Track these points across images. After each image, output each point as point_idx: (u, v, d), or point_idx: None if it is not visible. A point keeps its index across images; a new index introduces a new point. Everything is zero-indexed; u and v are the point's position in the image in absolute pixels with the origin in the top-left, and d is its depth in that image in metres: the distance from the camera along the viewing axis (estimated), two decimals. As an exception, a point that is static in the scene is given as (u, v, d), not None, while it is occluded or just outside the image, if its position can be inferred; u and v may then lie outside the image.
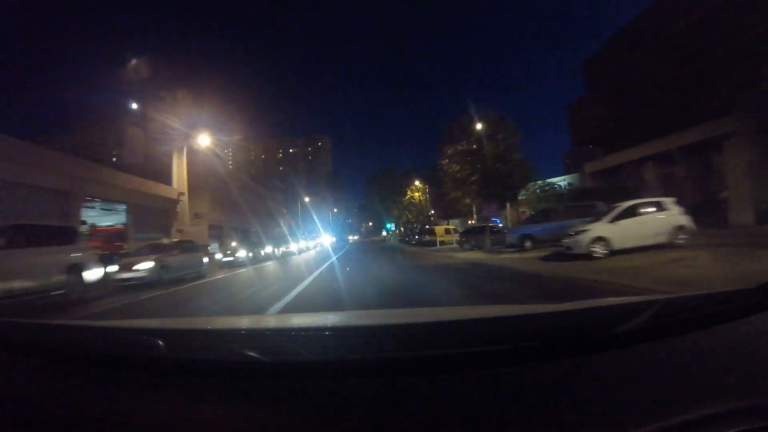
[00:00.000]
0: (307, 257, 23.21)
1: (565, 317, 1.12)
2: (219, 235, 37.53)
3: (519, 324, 1.06)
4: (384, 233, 73.47)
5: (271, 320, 2.66)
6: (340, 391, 0.82)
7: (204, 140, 28.00)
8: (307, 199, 61.77)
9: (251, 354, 0.90)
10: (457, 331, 1.03)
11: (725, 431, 0.65)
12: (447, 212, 47.84)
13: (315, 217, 69.19)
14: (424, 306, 4.99)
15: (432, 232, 24.33)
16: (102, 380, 0.96)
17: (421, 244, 28.73)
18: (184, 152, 29.01)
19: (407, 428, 0.71)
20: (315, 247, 41.59)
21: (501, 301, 5.95)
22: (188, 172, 34.56)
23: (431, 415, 0.73)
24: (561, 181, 52.76)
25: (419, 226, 45.63)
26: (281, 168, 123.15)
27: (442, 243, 24.03)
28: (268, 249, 21.12)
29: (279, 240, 26.38)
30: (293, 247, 27.41)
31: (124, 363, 1.00)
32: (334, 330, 1.20)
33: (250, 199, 46.95)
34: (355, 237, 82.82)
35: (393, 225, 48.32)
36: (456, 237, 24.87)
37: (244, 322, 2.01)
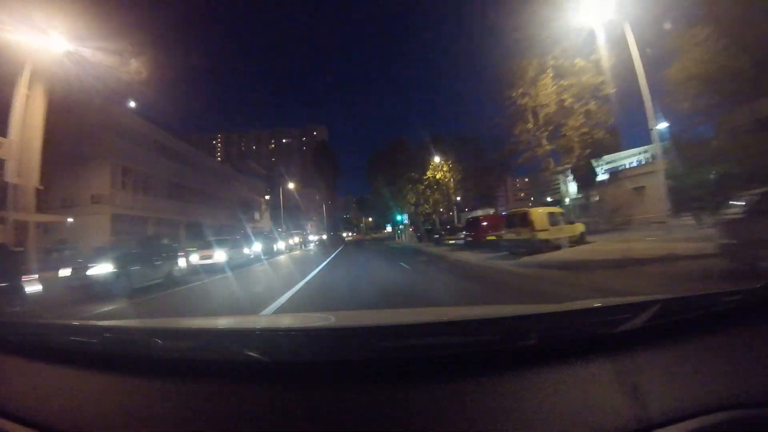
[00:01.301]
0: (244, 286, 10.12)
1: (565, 317, 1.10)
2: (138, 231, 23.86)
3: (519, 324, 1.04)
4: (389, 229, 59.28)
5: (270, 320, 2.56)
6: (340, 391, 0.80)
7: (58, 46, 14.22)
8: (291, 186, 47.80)
9: (250, 354, 0.88)
10: (457, 331, 1.02)
11: (724, 430, 0.66)
12: (483, 197, 33.95)
13: (303, 210, 55.72)
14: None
15: (525, 221, 10.44)
16: (102, 380, 0.95)
17: (474, 246, 15.09)
18: (26, 74, 15.25)
19: (408, 427, 0.71)
20: (290, 250, 27.35)
21: None
22: (75, 129, 20.94)
23: (432, 415, 0.72)
24: (638, 154, 37.73)
25: (433, 219, 31.71)
26: (273, 159, 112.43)
27: (547, 243, 10.36)
28: (102, 268, 7.24)
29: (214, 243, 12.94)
30: (219, 255, 13.31)
31: (124, 363, 0.99)
32: (335, 330, 1.17)
33: (204, 183, 32.97)
34: (351, 234, 69.38)
35: (405, 217, 34.23)
36: (567, 232, 11.25)
37: (244, 322, 1.99)
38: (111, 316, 5.74)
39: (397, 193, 30.85)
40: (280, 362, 0.91)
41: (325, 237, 47.87)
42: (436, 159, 28.74)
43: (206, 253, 13.16)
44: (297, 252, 25.62)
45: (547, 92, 15.95)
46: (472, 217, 17.41)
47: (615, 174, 23.13)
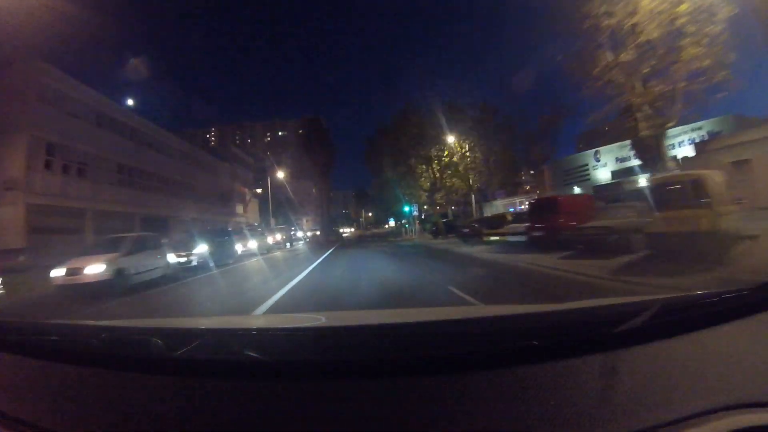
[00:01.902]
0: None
1: (565, 317, 1.09)
2: (71, 227, 18.22)
3: (518, 323, 1.04)
4: (391, 223, 53.51)
5: (271, 320, 2.58)
6: (340, 391, 0.80)
7: None
8: (281, 175, 42.05)
9: (251, 354, 0.88)
10: (457, 331, 1.01)
11: (725, 431, 0.66)
12: (505, 184, 28.32)
13: (297, 204, 50.08)
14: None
15: (699, 194, 5.01)
16: (102, 380, 0.94)
17: (548, 245, 9.72)
18: None
19: (407, 427, 0.71)
20: (267, 251, 21.38)
21: None
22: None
23: (431, 415, 0.72)
24: (690, 132, 31.40)
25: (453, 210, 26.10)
26: (268, 153, 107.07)
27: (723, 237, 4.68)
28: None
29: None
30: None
31: (123, 363, 0.98)
32: (336, 330, 1.15)
33: (170, 169, 27.18)
34: (349, 230, 63.73)
35: (415, 208, 28.57)
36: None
37: (244, 321, 1.98)
38: (109, 316, 5.45)
39: (408, 175, 25.10)
40: (281, 362, 0.90)
41: (318, 233, 42.15)
42: (450, 139, 23.07)
43: (75, 265, 7.24)
44: (277, 253, 19.80)
45: (650, 5, 10.20)
46: (542, 198, 11.79)
47: (703, 145, 17.45)
